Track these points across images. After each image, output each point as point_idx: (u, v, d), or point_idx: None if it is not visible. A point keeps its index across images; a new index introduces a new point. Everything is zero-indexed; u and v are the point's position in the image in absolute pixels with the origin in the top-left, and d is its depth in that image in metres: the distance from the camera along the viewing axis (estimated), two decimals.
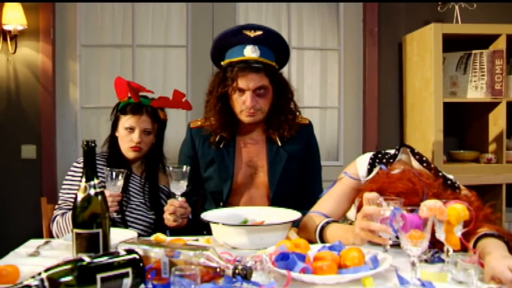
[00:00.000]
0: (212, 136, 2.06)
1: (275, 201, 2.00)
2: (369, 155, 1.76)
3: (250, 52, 1.95)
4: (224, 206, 2.04)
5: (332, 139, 3.38)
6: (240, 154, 2.07)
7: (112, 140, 2.21)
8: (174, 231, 1.89)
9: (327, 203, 1.76)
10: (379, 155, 1.74)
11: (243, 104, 1.96)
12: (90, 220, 1.24)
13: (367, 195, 1.41)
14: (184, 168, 1.75)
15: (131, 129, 2.14)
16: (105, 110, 3.05)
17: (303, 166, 2.10)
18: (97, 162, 2.05)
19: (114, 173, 1.82)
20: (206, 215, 1.69)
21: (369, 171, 1.71)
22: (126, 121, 2.15)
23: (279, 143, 2.05)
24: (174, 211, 1.82)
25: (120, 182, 1.83)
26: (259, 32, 1.96)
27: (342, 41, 3.33)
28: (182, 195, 1.80)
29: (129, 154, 2.15)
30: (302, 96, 3.35)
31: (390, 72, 3.31)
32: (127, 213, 2.10)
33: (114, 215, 1.89)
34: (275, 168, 2.04)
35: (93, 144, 1.25)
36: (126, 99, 2.19)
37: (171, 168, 1.74)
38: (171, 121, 2.30)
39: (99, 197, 1.26)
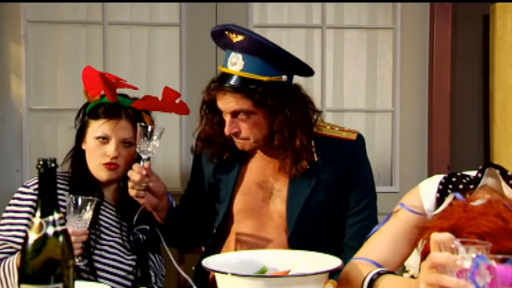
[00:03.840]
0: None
1: (294, 240, 2.08)
2: (438, 179, 1.76)
3: (231, 63, 2.07)
4: (217, 235, 2.17)
5: (383, 156, 3.39)
6: (249, 170, 2.19)
7: (77, 155, 2.23)
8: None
9: (378, 246, 1.76)
10: (453, 179, 1.74)
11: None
12: (46, 271, 1.24)
13: (437, 237, 1.41)
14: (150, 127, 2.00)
15: (105, 139, 2.15)
16: (64, 114, 3.10)
17: (342, 198, 2.15)
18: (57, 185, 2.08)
19: (79, 202, 1.84)
20: (208, 262, 1.70)
21: (439, 201, 1.71)
22: (97, 128, 2.16)
23: (307, 165, 2.12)
24: (130, 175, 2.03)
25: (88, 215, 1.85)
26: (241, 37, 2.05)
27: (398, 16, 3.34)
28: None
29: (102, 173, 2.17)
30: (341, 95, 3.37)
31: (470, 58, 3.31)
32: (96, 257, 2.12)
33: (77, 260, 1.90)
34: (297, 195, 2.11)
35: (53, 165, 1.24)
36: (98, 97, 2.20)
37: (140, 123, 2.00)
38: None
39: (60, 238, 1.26)
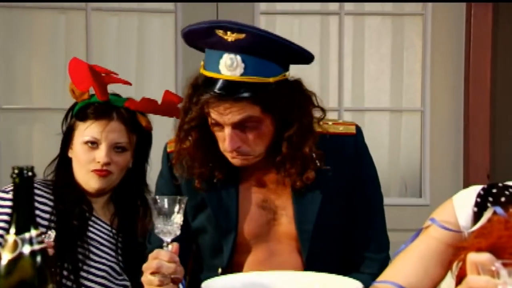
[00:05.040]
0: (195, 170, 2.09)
1: (311, 261, 2.05)
2: (475, 190, 1.76)
3: (227, 67, 1.96)
4: (225, 273, 2.07)
5: (411, 163, 3.41)
6: (247, 190, 2.13)
7: (63, 163, 2.25)
8: None
9: (405, 268, 1.76)
10: (494, 191, 1.74)
11: (224, 141, 2.01)
12: None
13: (474, 258, 1.41)
14: (179, 200, 1.80)
15: (94, 144, 2.17)
16: (40, 114, 3.11)
17: (351, 202, 2.13)
18: (37, 194, 2.09)
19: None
20: (209, 286, 1.71)
21: (476, 217, 1.71)
22: (85, 130, 2.18)
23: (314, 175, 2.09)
24: (158, 268, 1.82)
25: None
26: (240, 36, 1.97)
27: None
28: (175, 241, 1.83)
29: (92, 182, 2.18)
30: (362, 92, 3.38)
31: None
32: (83, 280, 2.14)
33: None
34: (305, 211, 2.08)
35: (30, 174, 1.25)
36: (87, 96, 2.22)
37: (156, 197, 1.80)
38: (154, 132, 2.34)
39: (38, 259, 1.26)
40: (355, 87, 3.37)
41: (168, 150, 2.18)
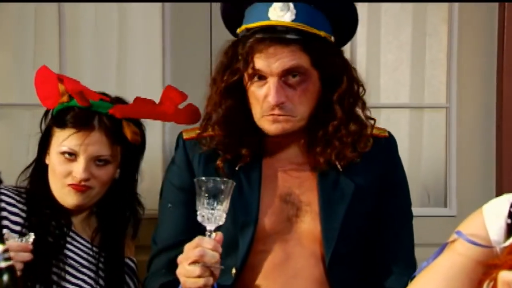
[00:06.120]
0: (220, 155, 2.18)
1: (335, 266, 2.10)
2: (509, 199, 1.77)
3: (278, 12, 2.05)
4: (239, 275, 2.14)
5: (435, 167, 3.42)
6: (270, 182, 2.20)
7: (39, 170, 2.25)
8: None
9: (429, 286, 1.78)
10: None
11: (264, 99, 2.08)
12: None
13: (507, 276, 1.42)
14: (230, 183, 1.88)
15: (72, 155, 2.17)
16: (5, 111, 3.12)
17: (379, 207, 2.21)
18: (8, 202, 2.12)
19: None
20: None
21: (510, 229, 1.72)
22: (62, 141, 2.19)
23: (339, 167, 2.16)
24: (201, 257, 1.86)
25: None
26: None
27: None
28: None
29: (68, 198, 2.19)
30: (377, 86, 3.39)
31: None
32: None
33: None
34: (333, 209, 2.14)
35: None
36: (66, 99, 2.20)
37: (203, 178, 1.87)
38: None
39: (5, 278, 1.27)
40: (369, 80, 3.34)
41: (185, 136, 2.27)
